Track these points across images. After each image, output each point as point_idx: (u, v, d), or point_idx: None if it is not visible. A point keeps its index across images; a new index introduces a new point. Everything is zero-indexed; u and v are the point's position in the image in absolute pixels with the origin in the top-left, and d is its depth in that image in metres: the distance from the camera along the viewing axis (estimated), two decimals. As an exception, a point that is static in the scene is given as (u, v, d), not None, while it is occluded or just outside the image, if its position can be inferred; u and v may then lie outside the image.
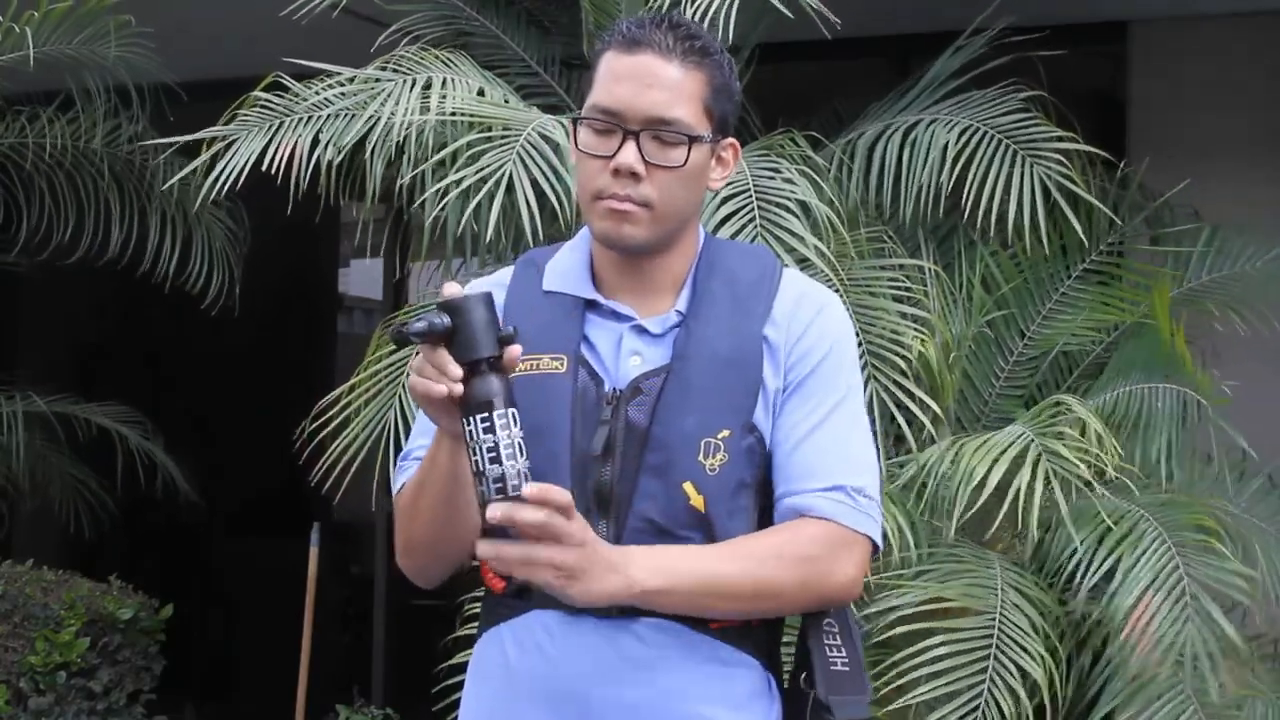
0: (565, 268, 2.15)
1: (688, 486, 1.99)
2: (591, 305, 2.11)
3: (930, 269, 4.20)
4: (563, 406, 2.03)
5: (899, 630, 3.76)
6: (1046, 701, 3.75)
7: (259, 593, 6.76)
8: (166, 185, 5.21)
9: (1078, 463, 3.66)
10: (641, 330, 2.08)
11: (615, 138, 2.03)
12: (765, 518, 2.05)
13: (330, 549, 5.63)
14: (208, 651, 6.87)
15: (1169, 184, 4.76)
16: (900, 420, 3.95)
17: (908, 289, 4.11)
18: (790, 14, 3.93)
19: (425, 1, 4.95)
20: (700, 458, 2.00)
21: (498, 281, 2.18)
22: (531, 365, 2.05)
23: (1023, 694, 3.69)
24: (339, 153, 4.29)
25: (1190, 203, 4.77)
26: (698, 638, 2.01)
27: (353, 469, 4.28)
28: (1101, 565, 3.80)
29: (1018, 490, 3.64)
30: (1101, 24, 5.39)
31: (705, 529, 2.00)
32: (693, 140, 2.03)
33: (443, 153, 4.11)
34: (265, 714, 6.10)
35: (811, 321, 2.09)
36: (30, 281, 6.58)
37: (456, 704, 4.19)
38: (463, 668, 3.93)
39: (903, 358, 3.93)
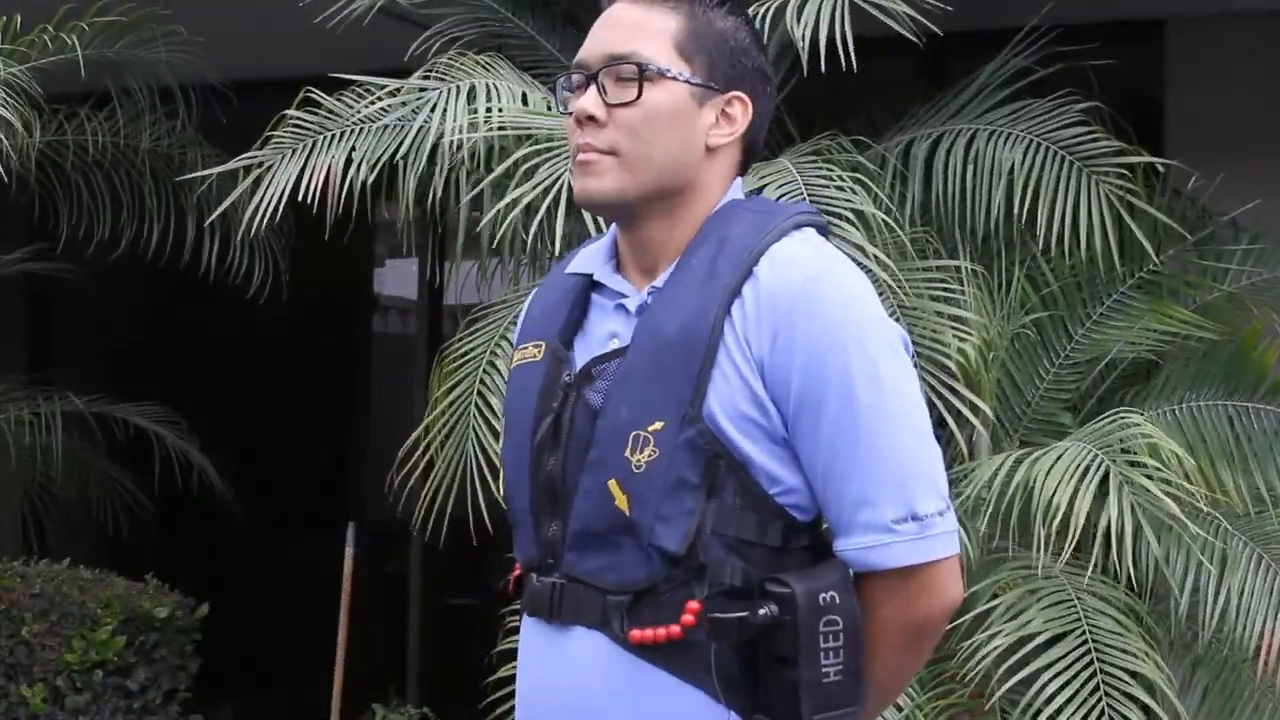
0: (592, 248, 2.01)
1: (612, 485, 1.80)
2: (599, 285, 1.94)
3: (968, 268, 4.19)
4: (532, 396, 1.91)
5: (1003, 675, 3.74)
6: (1164, 686, 3.74)
7: (295, 591, 6.79)
8: (208, 221, 5.19)
9: (1164, 496, 3.61)
10: (624, 308, 1.90)
11: (582, 88, 1.91)
12: (745, 524, 1.79)
13: (365, 547, 5.65)
14: (244, 650, 6.90)
15: (1206, 185, 4.72)
16: (947, 417, 3.94)
17: (949, 290, 4.10)
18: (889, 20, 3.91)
19: (460, 4, 4.94)
20: (628, 453, 1.79)
21: None
22: (522, 356, 1.97)
23: (1140, 694, 3.69)
24: (372, 171, 4.30)
25: (1229, 205, 4.73)
26: (621, 658, 1.81)
27: (449, 510, 4.26)
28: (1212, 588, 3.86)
29: (1106, 525, 3.62)
30: (1138, 23, 5.36)
31: (632, 534, 1.79)
32: (645, 72, 1.85)
33: (494, 174, 4.14)
34: (302, 713, 6.11)
35: (785, 316, 1.78)
36: (66, 281, 6.62)
37: (494, 704, 4.24)
38: (506, 680, 3.96)
39: (944, 356, 3.91)
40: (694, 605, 1.77)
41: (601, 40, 1.90)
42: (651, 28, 1.87)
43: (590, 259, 1.98)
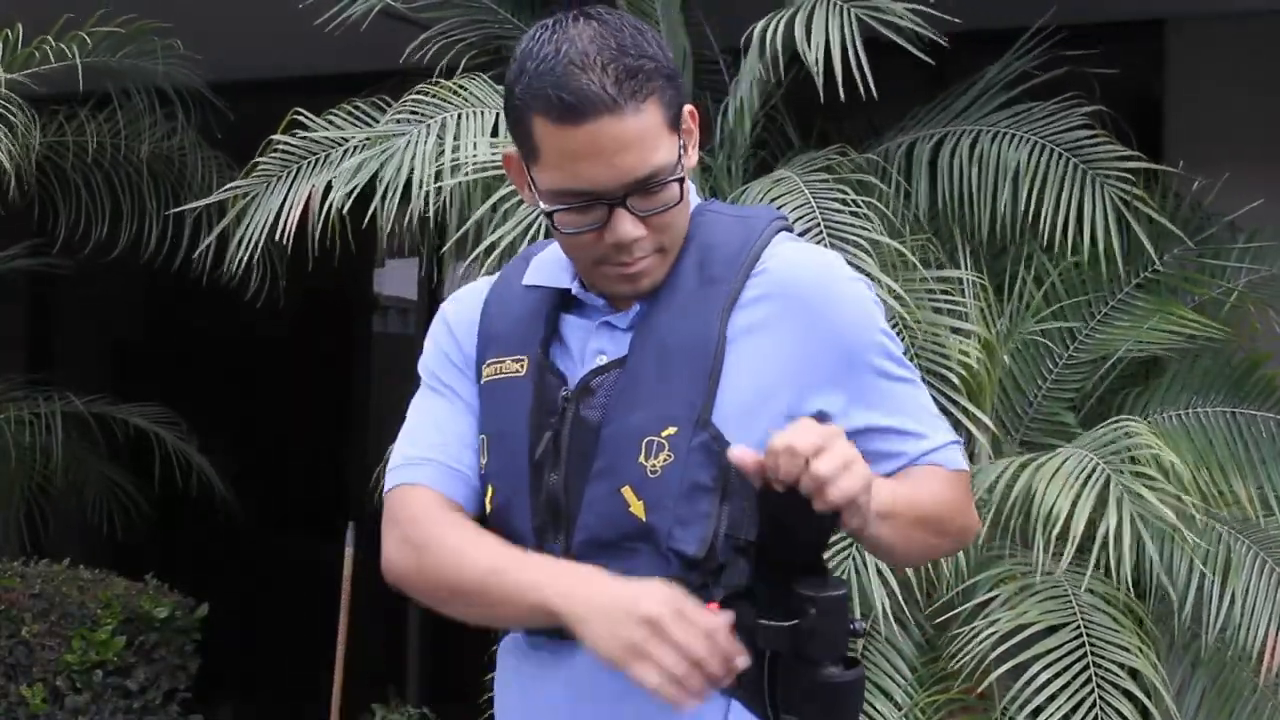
0: (550, 258, 1.99)
1: (626, 491, 1.81)
2: (571, 299, 1.94)
3: (969, 279, 4.19)
4: (521, 411, 1.90)
5: (998, 665, 3.76)
6: (1158, 684, 3.75)
7: (295, 591, 6.79)
8: (197, 251, 5.15)
9: (1162, 506, 3.64)
10: (610, 326, 1.90)
11: (597, 209, 1.83)
12: (755, 527, 1.81)
13: (365, 547, 5.65)
14: (244, 650, 6.90)
15: (1205, 184, 4.72)
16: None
17: (951, 301, 4.10)
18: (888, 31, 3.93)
19: (458, 5, 4.94)
20: (642, 458, 1.81)
21: (487, 284, 2.06)
22: (497, 369, 1.94)
23: (1133, 687, 3.70)
24: (348, 199, 4.34)
25: (1229, 204, 4.73)
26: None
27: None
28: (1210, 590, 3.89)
29: (1105, 533, 3.65)
30: (1138, 23, 5.35)
31: (649, 540, 1.80)
32: (678, 171, 1.85)
33: (467, 224, 4.19)
34: (302, 713, 6.12)
35: (816, 303, 1.88)
36: (67, 281, 6.62)
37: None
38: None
39: (946, 367, 3.92)
40: (713, 605, 1.76)
41: (611, 169, 1.80)
42: (651, 131, 1.81)
43: (550, 272, 1.97)
